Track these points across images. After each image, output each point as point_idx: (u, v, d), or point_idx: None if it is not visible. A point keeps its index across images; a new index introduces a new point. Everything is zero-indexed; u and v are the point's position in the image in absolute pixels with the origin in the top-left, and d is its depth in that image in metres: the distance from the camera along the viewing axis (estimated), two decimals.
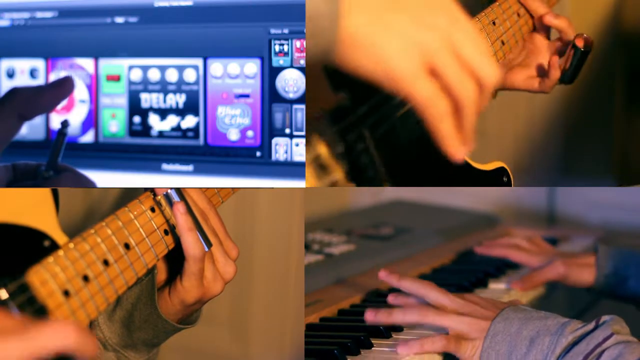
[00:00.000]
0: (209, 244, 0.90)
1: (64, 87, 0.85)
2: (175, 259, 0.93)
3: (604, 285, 1.21)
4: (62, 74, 1.23)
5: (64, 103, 0.86)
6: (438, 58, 0.73)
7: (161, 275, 0.96)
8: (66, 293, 0.76)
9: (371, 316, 0.99)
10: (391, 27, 0.71)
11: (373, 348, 0.97)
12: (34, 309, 0.73)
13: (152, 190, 0.90)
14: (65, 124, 0.90)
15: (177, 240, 0.90)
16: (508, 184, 1.18)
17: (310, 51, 0.73)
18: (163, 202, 0.89)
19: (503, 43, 1.15)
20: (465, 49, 0.75)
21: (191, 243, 0.88)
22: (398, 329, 1.01)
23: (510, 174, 1.18)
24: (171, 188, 0.89)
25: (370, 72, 0.72)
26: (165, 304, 0.94)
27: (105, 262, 0.81)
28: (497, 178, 1.17)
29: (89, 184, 0.89)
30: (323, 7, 0.69)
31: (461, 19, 0.75)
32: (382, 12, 0.71)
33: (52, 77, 1.23)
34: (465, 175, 1.12)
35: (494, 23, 1.14)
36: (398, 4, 0.72)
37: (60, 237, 0.80)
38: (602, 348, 0.89)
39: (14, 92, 0.83)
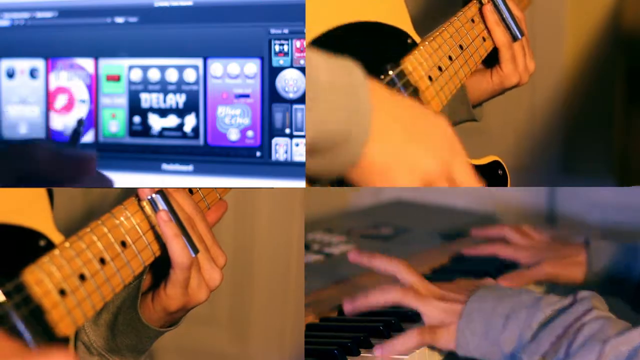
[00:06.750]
0: (195, 249, 0.87)
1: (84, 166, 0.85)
2: (162, 264, 0.90)
3: (595, 283, 1.20)
4: (62, 74, 1.23)
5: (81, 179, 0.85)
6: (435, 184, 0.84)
7: (147, 279, 0.94)
8: (62, 292, 0.76)
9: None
10: (404, 158, 0.81)
11: (373, 348, 0.97)
12: (30, 309, 0.73)
13: (136, 195, 0.87)
14: (81, 122, 0.90)
15: (164, 246, 0.87)
16: (504, 177, 1.18)
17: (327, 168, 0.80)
18: (147, 207, 0.86)
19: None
20: (459, 178, 0.85)
21: (177, 250, 0.86)
22: (398, 329, 1.01)
23: (505, 167, 1.18)
24: (156, 192, 0.86)
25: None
26: (147, 311, 0.91)
27: (102, 261, 0.81)
28: (492, 172, 1.17)
29: (106, 182, 0.88)
30: (351, 133, 0.77)
31: (460, 151, 0.86)
32: (399, 143, 0.81)
33: (52, 77, 1.23)
34: None
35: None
36: (413, 136, 0.82)
37: (56, 236, 0.79)
38: (583, 322, 0.87)
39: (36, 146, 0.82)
